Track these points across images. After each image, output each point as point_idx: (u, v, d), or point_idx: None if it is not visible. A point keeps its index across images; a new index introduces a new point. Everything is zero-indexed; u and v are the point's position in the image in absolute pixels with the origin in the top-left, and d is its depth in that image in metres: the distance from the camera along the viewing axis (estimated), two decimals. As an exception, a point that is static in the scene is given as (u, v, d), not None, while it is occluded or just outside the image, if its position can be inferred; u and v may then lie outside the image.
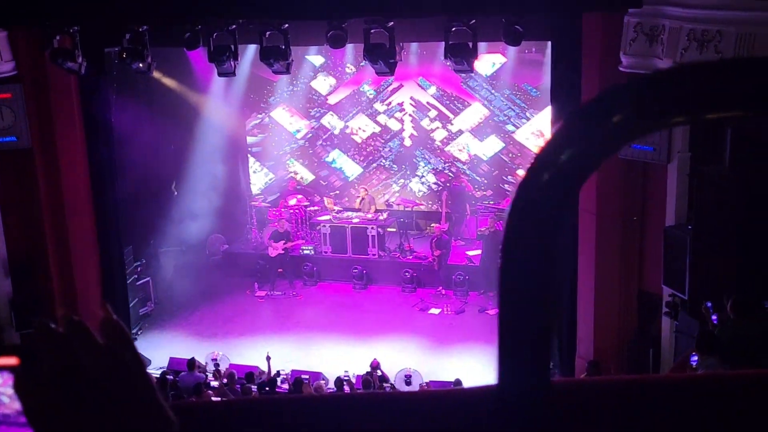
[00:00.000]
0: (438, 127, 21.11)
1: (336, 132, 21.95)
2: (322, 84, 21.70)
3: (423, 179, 21.46)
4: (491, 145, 20.82)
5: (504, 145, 20.67)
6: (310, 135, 22.13)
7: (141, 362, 1.06)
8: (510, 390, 0.77)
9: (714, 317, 9.39)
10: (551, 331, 0.74)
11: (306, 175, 22.16)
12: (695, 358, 7.59)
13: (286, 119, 22.22)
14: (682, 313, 12.32)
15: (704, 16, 10.32)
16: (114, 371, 1.02)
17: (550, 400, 0.76)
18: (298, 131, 22.26)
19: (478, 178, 20.94)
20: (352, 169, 22.04)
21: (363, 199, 20.01)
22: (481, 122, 20.74)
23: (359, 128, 21.66)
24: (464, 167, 21.02)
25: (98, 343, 1.04)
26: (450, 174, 20.99)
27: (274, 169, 22.25)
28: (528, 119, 20.14)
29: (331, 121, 21.91)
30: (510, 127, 20.48)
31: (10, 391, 1.02)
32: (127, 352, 1.05)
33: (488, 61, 19.75)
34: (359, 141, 21.69)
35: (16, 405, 1.02)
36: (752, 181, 10.59)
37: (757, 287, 10.05)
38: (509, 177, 20.48)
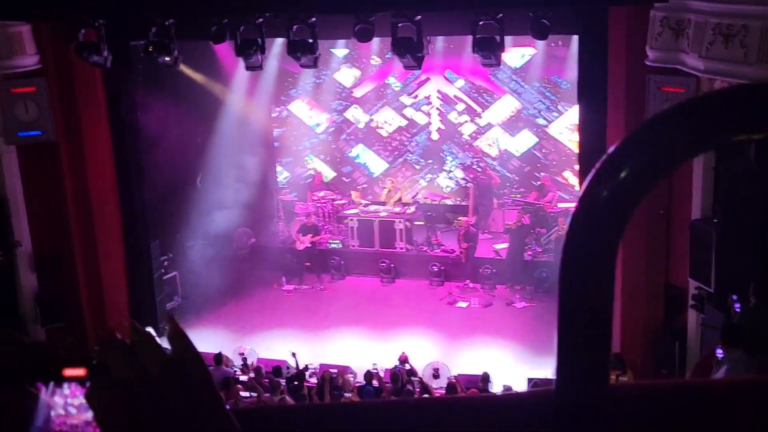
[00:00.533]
0: (466, 121, 20.91)
1: (360, 126, 21.81)
2: (347, 76, 21.55)
3: (451, 174, 21.30)
4: (524, 141, 20.59)
5: (537, 140, 20.43)
6: (332, 129, 21.98)
7: (207, 373, 1.08)
8: (569, 396, 0.83)
9: (737, 306, 9.38)
10: (610, 339, 0.80)
11: (326, 172, 22.01)
12: (720, 351, 7.61)
13: (305, 112, 22.07)
14: (708, 306, 12.32)
15: (729, 11, 10.29)
16: (181, 382, 1.05)
17: (609, 407, 0.81)
18: (317, 125, 22.13)
19: (508, 174, 20.73)
20: (376, 164, 21.92)
21: (390, 190, 20.06)
22: (512, 116, 20.52)
23: (385, 122, 21.56)
24: (494, 163, 20.83)
25: (165, 354, 1.07)
26: (478, 169, 20.81)
27: (290, 166, 22.08)
28: (560, 113, 19.92)
29: (355, 114, 21.76)
30: (541, 121, 20.27)
31: (77, 401, 1.05)
32: (194, 363, 1.07)
33: (517, 54, 19.58)
34: (385, 135, 21.58)
35: (84, 416, 1.04)
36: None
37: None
38: (541, 173, 20.13)
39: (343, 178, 21.96)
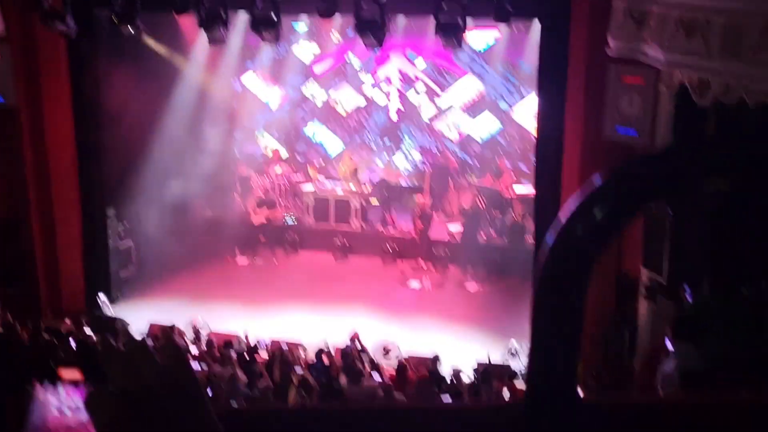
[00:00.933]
0: (426, 102, 20.80)
1: (318, 104, 21.57)
2: (305, 51, 21.25)
3: (408, 156, 21.19)
4: (486, 125, 20.44)
5: (501, 126, 20.30)
6: (287, 106, 21.68)
7: (197, 381, 1.14)
8: (539, 406, 0.84)
9: (689, 296, 9.52)
10: (578, 355, 0.82)
11: (280, 151, 21.74)
12: (670, 343, 7.74)
13: (259, 86, 21.70)
14: (659, 296, 12.49)
15: (692, 4, 10.39)
16: (174, 389, 1.11)
17: (579, 418, 0.83)
18: (270, 101, 21.85)
19: (469, 160, 20.64)
20: (332, 144, 21.71)
21: (347, 170, 20.03)
22: (475, 99, 20.34)
23: (344, 100, 21.44)
24: (455, 147, 20.72)
25: (159, 364, 1.11)
26: (437, 153, 20.80)
27: (238, 143, 21.41)
28: (522, 97, 19.78)
29: (313, 91, 21.50)
30: (503, 105, 20.15)
31: (72, 403, 1.11)
32: (185, 372, 1.13)
33: (481, 37, 19.49)
34: (343, 114, 21.41)
35: (80, 417, 1.10)
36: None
37: (734, 272, 10.21)
38: (506, 162, 19.99)
39: (297, 157, 21.68)
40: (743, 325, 8.65)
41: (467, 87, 20.45)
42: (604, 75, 12.80)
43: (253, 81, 21.63)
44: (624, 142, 12.80)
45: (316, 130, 21.73)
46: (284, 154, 21.61)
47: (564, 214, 0.84)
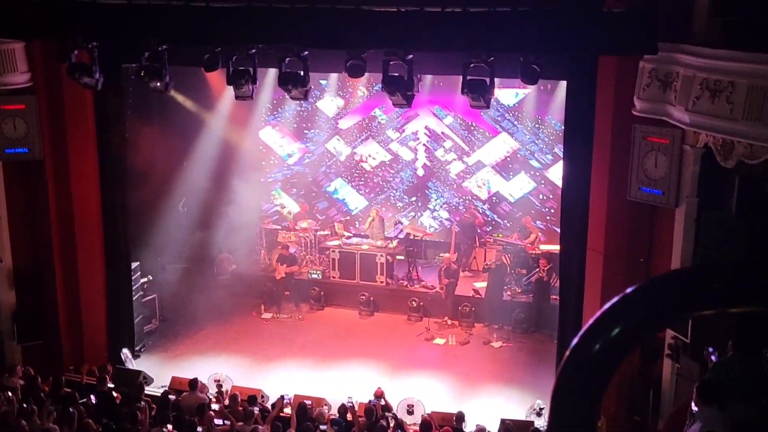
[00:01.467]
0: (454, 159, 20.69)
1: (342, 159, 21.53)
2: (330, 105, 21.27)
3: (435, 213, 21.07)
4: (519, 184, 20.23)
5: (535, 185, 20.07)
6: (308, 160, 21.58)
7: None
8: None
9: (713, 358, 9.45)
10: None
11: (294, 209, 21.57)
12: (695, 406, 7.68)
13: (275, 140, 21.66)
14: (683, 357, 12.41)
15: (717, 66, 10.46)
16: None
17: None
18: (289, 155, 21.76)
19: (499, 219, 20.45)
20: (356, 201, 21.62)
21: (374, 219, 20.09)
22: (507, 156, 20.17)
23: (369, 155, 21.38)
24: (484, 206, 20.55)
25: None
26: (463, 209, 20.63)
27: (249, 201, 20.32)
28: (555, 156, 19.44)
29: (336, 146, 21.48)
30: (534, 163, 19.96)
31: None
32: None
33: (510, 92, 19.54)
34: (368, 169, 21.40)
35: None
36: (756, 227, 10.71)
37: (758, 334, 10.14)
38: (538, 222, 19.78)
39: (317, 215, 21.51)
40: (765, 387, 8.58)
41: (498, 145, 20.32)
42: (629, 135, 12.87)
43: (271, 136, 21.64)
44: (649, 201, 12.84)
45: (339, 187, 21.69)
46: (295, 211, 21.47)
47: (588, 323, 0.89)
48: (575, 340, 0.88)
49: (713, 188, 12.19)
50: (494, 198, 20.57)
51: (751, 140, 10.13)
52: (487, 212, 20.52)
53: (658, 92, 11.90)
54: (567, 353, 0.88)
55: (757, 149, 10.22)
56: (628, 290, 0.90)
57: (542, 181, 19.98)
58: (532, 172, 20.11)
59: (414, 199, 21.20)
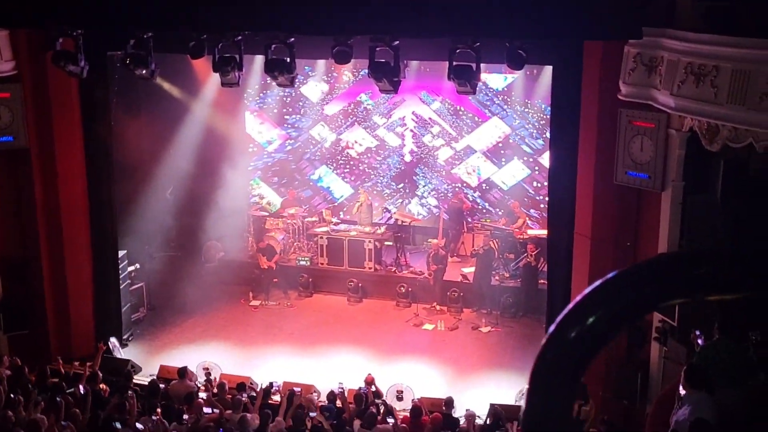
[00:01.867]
0: (442, 145, 20.52)
1: (327, 145, 21.25)
2: (314, 90, 20.94)
3: (423, 200, 20.92)
4: (513, 171, 19.99)
5: (529, 171, 19.76)
6: (289, 147, 21.29)
7: None
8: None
9: (700, 341, 9.51)
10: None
11: (274, 200, 21.32)
12: (683, 390, 7.73)
13: (254, 127, 21.35)
14: (671, 340, 12.49)
15: (702, 51, 10.49)
16: None
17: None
18: (269, 142, 21.45)
19: (490, 207, 20.28)
20: (341, 189, 21.39)
21: (362, 204, 20.07)
22: (498, 142, 19.95)
23: (355, 141, 21.18)
24: (474, 194, 20.42)
25: None
26: (451, 195, 20.53)
27: (237, 188, 20.13)
28: (546, 142, 18.69)
29: (321, 132, 21.18)
30: (526, 148, 19.79)
31: None
32: None
33: (500, 77, 19.40)
34: (354, 155, 21.21)
35: None
36: (741, 210, 10.77)
37: (743, 317, 10.21)
38: (532, 210, 19.53)
39: (302, 204, 21.14)
40: (751, 371, 8.64)
41: (488, 130, 20.13)
42: (615, 119, 12.90)
43: (250, 122, 21.33)
44: (635, 185, 12.89)
45: (323, 175, 21.47)
46: (277, 202, 21.34)
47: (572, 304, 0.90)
48: (552, 327, 0.89)
49: (699, 172, 12.27)
50: (484, 185, 20.45)
51: (735, 124, 10.19)
52: (478, 200, 20.38)
53: (644, 77, 11.93)
54: (544, 340, 0.89)
55: (742, 133, 10.27)
56: (609, 275, 0.91)
57: (536, 168, 19.79)
58: (525, 158, 19.92)
59: (401, 185, 21.04)
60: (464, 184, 20.59)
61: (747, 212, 10.72)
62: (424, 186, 20.95)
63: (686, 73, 10.68)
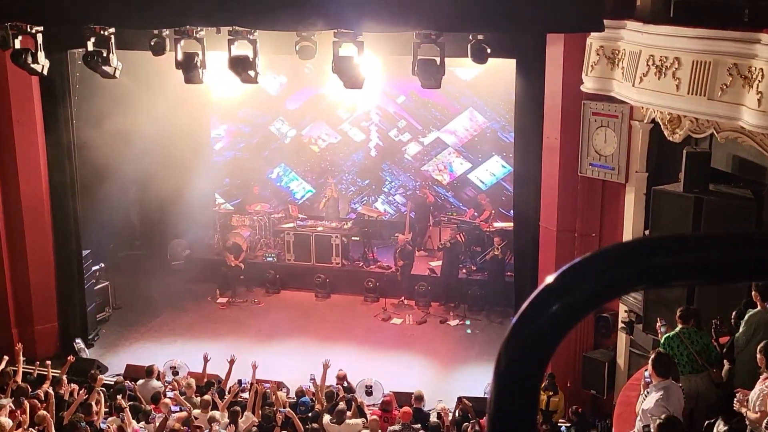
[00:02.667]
0: (410, 140, 20.31)
1: (287, 141, 20.80)
2: (272, 83, 20.30)
3: (390, 198, 20.67)
4: (492, 169, 19.59)
5: (510, 169, 18.78)
6: (242, 144, 20.73)
7: None
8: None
9: (664, 330, 9.60)
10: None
11: (227, 205, 20.76)
12: (649, 377, 7.81)
13: (205, 125, 20.69)
14: (637, 329, 12.61)
15: (663, 43, 10.58)
16: None
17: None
18: (216, 140, 20.84)
19: (464, 207, 19.98)
20: (302, 188, 21.07)
21: (329, 199, 20.01)
22: (474, 137, 19.58)
23: (318, 137, 20.86)
24: (447, 193, 20.11)
25: None
26: (417, 189, 20.33)
27: (201, 185, 19.59)
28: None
29: (281, 128, 20.77)
30: (504, 142, 19.33)
31: None
32: None
33: (468, 69, 18.85)
34: (317, 151, 20.89)
35: None
36: (705, 200, 10.90)
37: (708, 305, 10.34)
38: (509, 211, 18.30)
39: (255, 207, 20.48)
40: (714, 358, 8.76)
41: (461, 122, 19.78)
42: (579, 111, 12.99)
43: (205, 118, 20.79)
44: (600, 176, 13.01)
45: (282, 173, 21.06)
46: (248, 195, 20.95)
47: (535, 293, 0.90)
48: (515, 318, 0.90)
49: (662, 162, 12.40)
50: (456, 182, 20.25)
51: (697, 115, 10.29)
52: (450, 199, 20.03)
53: (606, 69, 12.02)
54: (507, 331, 0.89)
55: (704, 123, 10.38)
56: (566, 266, 0.92)
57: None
58: (504, 154, 19.42)
59: (367, 182, 20.93)
60: (435, 183, 20.41)
61: (711, 201, 10.85)
62: (390, 182, 20.80)
63: (648, 66, 10.76)
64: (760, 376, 7.51)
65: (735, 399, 7.33)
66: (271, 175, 21.21)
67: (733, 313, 9.03)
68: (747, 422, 7.28)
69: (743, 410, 7.24)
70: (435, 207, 20.23)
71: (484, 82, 19.27)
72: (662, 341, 8.65)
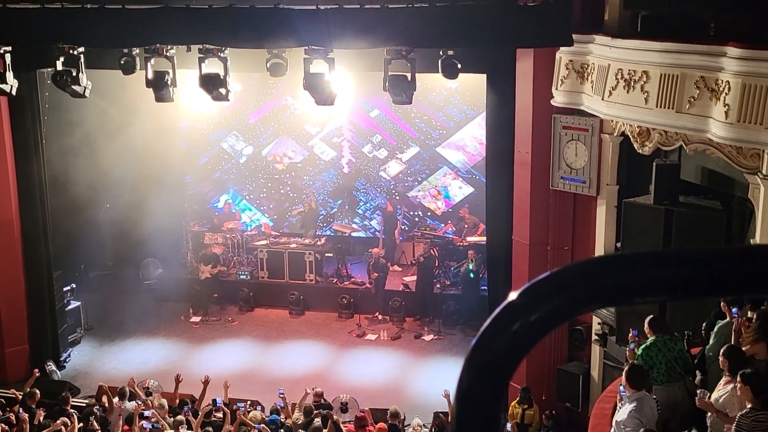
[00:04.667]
0: (387, 157, 19.74)
1: (242, 161, 20.18)
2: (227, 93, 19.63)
3: (366, 222, 20.23)
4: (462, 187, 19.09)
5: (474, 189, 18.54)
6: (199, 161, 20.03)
7: None
8: None
9: (636, 341, 9.65)
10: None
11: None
12: (623, 389, 7.85)
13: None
14: (610, 341, 12.67)
15: (631, 57, 10.69)
16: None
17: None
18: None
19: (434, 222, 19.56)
20: (258, 218, 20.47)
21: (304, 212, 19.93)
22: (475, 152, 18.91)
23: (284, 155, 20.40)
24: (440, 224, 19.52)
25: None
26: (404, 227, 19.86)
27: (173, 204, 19.31)
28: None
29: (235, 144, 20.17)
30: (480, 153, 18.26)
31: None
32: None
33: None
34: (281, 168, 20.36)
35: None
36: (675, 212, 11.00)
37: (679, 316, 10.43)
38: (466, 211, 18.15)
39: (228, 225, 19.91)
40: (687, 367, 8.82)
41: (469, 130, 19.06)
42: (549, 125, 13.09)
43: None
44: (571, 190, 13.09)
45: (230, 200, 20.47)
46: (222, 212, 20.50)
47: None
48: (477, 334, 0.90)
49: (633, 175, 12.51)
50: (450, 210, 19.78)
51: (666, 128, 10.40)
52: (450, 235, 19.13)
53: (576, 83, 12.13)
54: (470, 348, 0.90)
55: (672, 136, 10.49)
56: (534, 280, 0.93)
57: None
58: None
59: (340, 201, 20.52)
60: (426, 212, 20.03)
61: (681, 213, 10.95)
62: (365, 203, 20.38)
63: (617, 79, 10.87)
64: (722, 378, 7.57)
65: (697, 398, 7.38)
66: (216, 203, 20.59)
67: (704, 325, 9.10)
68: (708, 423, 7.35)
69: (708, 410, 7.31)
70: (409, 222, 20.16)
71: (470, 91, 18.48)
72: (639, 352, 8.68)
